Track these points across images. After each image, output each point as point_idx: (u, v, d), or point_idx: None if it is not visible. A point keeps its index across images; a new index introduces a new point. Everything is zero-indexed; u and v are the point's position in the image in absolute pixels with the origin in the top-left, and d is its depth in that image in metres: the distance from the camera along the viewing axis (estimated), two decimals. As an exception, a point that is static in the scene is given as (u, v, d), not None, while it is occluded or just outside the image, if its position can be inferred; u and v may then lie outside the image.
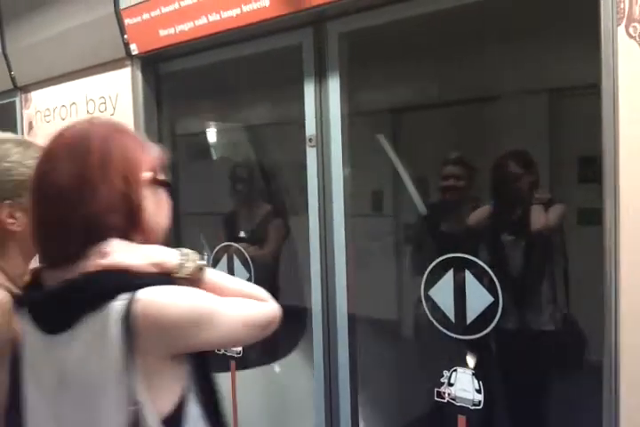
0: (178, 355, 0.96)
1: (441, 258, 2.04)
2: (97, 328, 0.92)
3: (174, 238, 3.00)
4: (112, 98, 2.91)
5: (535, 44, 1.89)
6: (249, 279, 2.66)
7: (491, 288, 1.92)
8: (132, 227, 0.99)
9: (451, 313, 2.00)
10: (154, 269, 0.96)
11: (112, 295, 0.92)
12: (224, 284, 1.04)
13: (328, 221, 2.22)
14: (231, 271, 2.73)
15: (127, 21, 2.70)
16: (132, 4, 2.65)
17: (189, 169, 3.02)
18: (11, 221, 1.23)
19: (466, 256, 2.00)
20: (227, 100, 3.02)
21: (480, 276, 1.95)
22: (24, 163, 1.24)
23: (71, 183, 0.95)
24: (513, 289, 1.93)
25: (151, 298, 0.92)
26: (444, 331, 2.01)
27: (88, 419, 0.96)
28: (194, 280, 0.99)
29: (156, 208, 1.03)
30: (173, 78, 2.88)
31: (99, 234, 0.96)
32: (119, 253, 0.95)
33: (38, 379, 1.01)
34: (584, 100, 1.56)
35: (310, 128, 2.27)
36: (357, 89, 2.28)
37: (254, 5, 2.27)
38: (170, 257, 0.99)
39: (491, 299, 1.92)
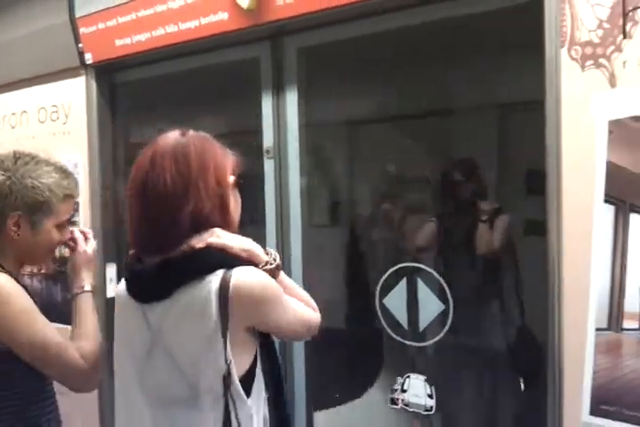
0: (252, 330, 1.16)
1: (394, 268, 2.10)
2: (197, 297, 1.11)
3: (115, 248, 2.96)
4: (65, 107, 2.86)
5: (487, 62, 1.98)
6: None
7: (442, 296, 1.99)
8: (224, 221, 1.19)
9: (404, 321, 2.06)
10: (244, 255, 1.17)
11: (212, 269, 1.12)
12: (290, 285, 1.27)
13: (285, 232, 2.26)
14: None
15: (82, 30, 2.68)
16: (88, 12, 2.64)
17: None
18: (14, 229, 1.40)
19: (418, 265, 2.06)
20: (183, 110, 3.02)
21: (431, 284, 2.01)
22: (52, 188, 1.41)
23: (176, 188, 1.15)
24: (462, 299, 2.00)
25: (244, 276, 1.12)
26: (398, 338, 2.06)
27: (180, 377, 1.14)
28: (271, 275, 1.19)
29: (235, 205, 1.25)
30: (129, 88, 2.86)
31: (201, 227, 1.16)
32: (222, 236, 1.16)
33: (129, 343, 1.22)
34: (531, 116, 1.65)
35: (268, 140, 2.31)
36: (315, 102, 2.33)
37: (213, 18, 2.30)
38: (258, 250, 1.21)
39: (442, 306, 1.98)
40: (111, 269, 2.63)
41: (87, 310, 1.47)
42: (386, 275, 2.11)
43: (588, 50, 1.51)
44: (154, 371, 1.19)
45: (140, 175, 1.19)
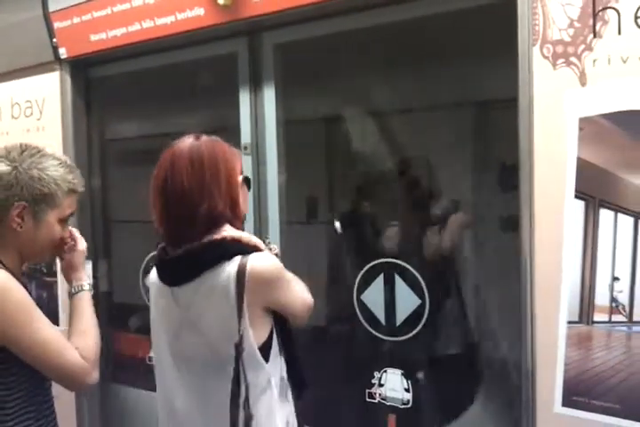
0: (267, 308, 1.33)
1: (372, 263, 2.11)
2: (219, 279, 1.30)
3: (104, 246, 2.94)
4: (39, 102, 2.83)
5: (461, 59, 2.01)
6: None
7: (418, 291, 2.01)
8: (234, 216, 1.36)
9: (381, 316, 2.08)
10: (252, 245, 1.35)
11: (229, 257, 1.30)
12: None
13: (263, 228, 2.26)
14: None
15: (56, 25, 2.64)
16: (62, 7, 2.61)
17: (119, 174, 2.97)
18: (17, 220, 1.38)
19: (395, 261, 2.08)
20: (159, 105, 2.99)
21: (408, 279, 2.03)
22: (57, 181, 1.40)
23: (192, 189, 1.31)
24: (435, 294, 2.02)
25: (259, 261, 1.31)
26: (375, 333, 2.08)
27: (205, 344, 1.33)
28: None
29: (244, 200, 1.41)
30: (104, 83, 2.83)
31: (216, 222, 1.33)
32: (233, 231, 1.35)
33: (162, 321, 1.41)
34: (506, 113, 1.67)
35: (245, 136, 2.31)
36: (293, 98, 2.33)
37: (189, 13, 2.29)
38: (259, 242, 1.37)
39: (418, 301, 2.01)
40: (88, 266, 2.61)
41: (86, 308, 1.47)
42: (363, 271, 2.12)
43: (560, 48, 1.54)
44: (183, 343, 1.37)
45: (161, 176, 1.35)
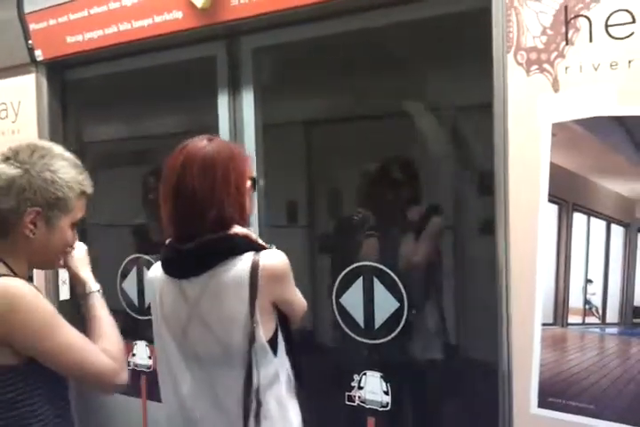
0: (274, 304, 1.38)
1: (350, 267, 2.12)
2: (232, 274, 1.34)
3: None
4: (14, 105, 2.79)
5: (439, 65, 2.03)
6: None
7: (396, 294, 2.02)
8: (241, 219, 1.41)
9: (360, 319, 2.09)
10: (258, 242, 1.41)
11: (241, 252, 1.35)
12: None
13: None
14: (141, 285, 2.68)
15: (32, 26, 2.61)
16: (38, 8, 2.58)
17: (95, 177, 2.93)
18: (30, 226, 1.29)
19: (374, 264, 2.09)
20: (137, 108, 2.97)
21: (387, 283, 2.05)
22: (70, 184, 1.31)
23: (204, 192, 1.34)
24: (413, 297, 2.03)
25: (271, 257, 1.36)
26: (354, 336, 2.09)
27: (214, 339, 1.36)
28: None
29: (250, 204, 1.45)
30: (81, 86, 2.81)
31: (224, 225, 1.37)
32: (242, 229, 1.39)
33: (168, 315, 1.42)
34: (483, 118, 1.69)
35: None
36: (272, 102, 2.33)
37: (167, 16, 2.28)
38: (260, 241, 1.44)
39: (397, 304, 2.02)
40: (64, 273, 2.58)
41: (100, 310, 1.41)
42: (342, 274, 2.13)
43: (533, 55, 1.57)
44: (192, 339, 1.39)
45: (172, 178, 1.38)
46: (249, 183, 1.43)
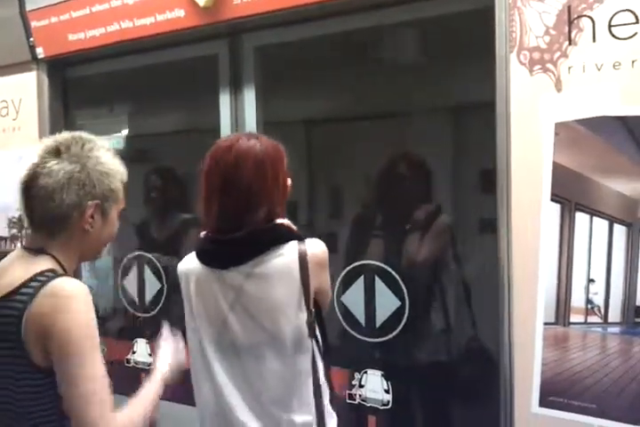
0: (315, 291, 1.41)
1: (352, 265, 2.12)
2: (278, 262, 1.37)
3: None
4: (15, 102, 2.79)
5: (441, 65, 2.03)
6: (161, 290, 2.63)
7: (398, 293, 2.03)
8: (282, 212, 1.44)
9: (361, 317, 2.09)
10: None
11: (285, 241, 1.38)
12: None
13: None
14: (142, 282, 2.69)
15: (34, 24, 2.61)
16: (40, 6, 2.57)
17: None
18: (90, 220, 1.27)
19: (375, 263, 2.09)
20: (138, 106, 2.98)
21: (388, 281, 2.05)
22: (117, 174, 1.31)
23: (258, 189, 1.38)
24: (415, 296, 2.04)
25: (316, 246, 1.41)
26: (355, 334, 2.10)
27: (259, 327, 1.38)
28: None
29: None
30: (82, 84, 2.80)
31: (272, 219, 1.41)
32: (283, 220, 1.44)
33: (206, 306, 1.42)
34: (486, 117, 1.70)
35: (225, 138, 2.30)
36: (273, 100, 2.33)
37: (169, 15, 2.28)
38: None
39: (398, 303, 2.02)
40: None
41: (153, 385, 1.33)
42: (343, 272, 2.13)
43: (536, 55, 1.57)
44: (232, 327, 1.40)
45: (222, 174, 1.39)
46: (289, 181, 1.47)
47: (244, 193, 1.38)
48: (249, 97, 2.28)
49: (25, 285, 1.19)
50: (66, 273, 1.25)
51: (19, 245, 2.61)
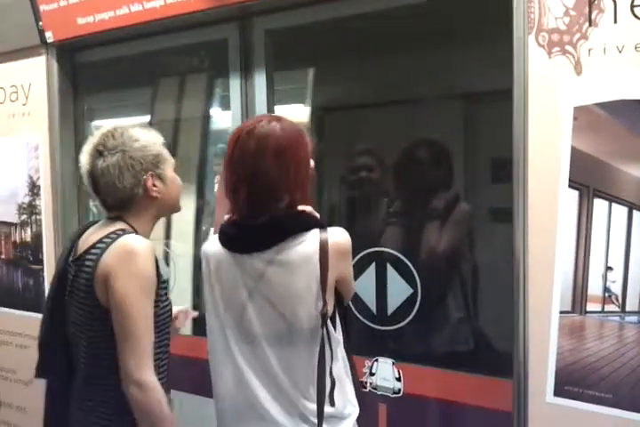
0: (336, 281, 1.40)
1: (363, 252, 2.10)
2: (299, 250, 1.36)
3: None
4: (24, 87, 2.77)
5: (456, 48, 1.98)
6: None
7: (410, 280, 2.01)
8: (305, 198, 1.43)
9: (372, 305, 2.07)
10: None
11: (308, 228, 1.38)
12: None
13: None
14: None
15: (43, 7, 2.59)
16: (49, -11, 2.55)
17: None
18: (155, 189, 1.50)
19: (387, 250, 2.07)
20: (148, 91, 2.95)
21: (400, 268, 2.03)
22: (154, 141, 1.51)
23: (280, 177, 1.37)
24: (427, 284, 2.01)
25: (338, 235, 1.40)
26: (366, 322, 2.08)
27: (278, 315, 1.38)
28: None
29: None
30: (91, 68, 2.78)
31: (294, 206, 1.40)
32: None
33: (226, 290, 1.42)
34: (499, 105, 1.66)
35: (236, 123, 2.27)
36: (284, 86, 2.30)
37: (179, -2, 2.24)
38: None
39: (410, 290, 2.00)
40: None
41: None
42: (355, 260, 2.11)
43: (555, 37, 1.53)
44: (251, 314, 1.40)
45: (249, 163, 1.38)
46: (312, 164, 1.45)
47: (268, 180, 1.37)
48: (259, 81, 2.25)
49: (100, 241, 1.46)
50: (136, 233, 1.47)
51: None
